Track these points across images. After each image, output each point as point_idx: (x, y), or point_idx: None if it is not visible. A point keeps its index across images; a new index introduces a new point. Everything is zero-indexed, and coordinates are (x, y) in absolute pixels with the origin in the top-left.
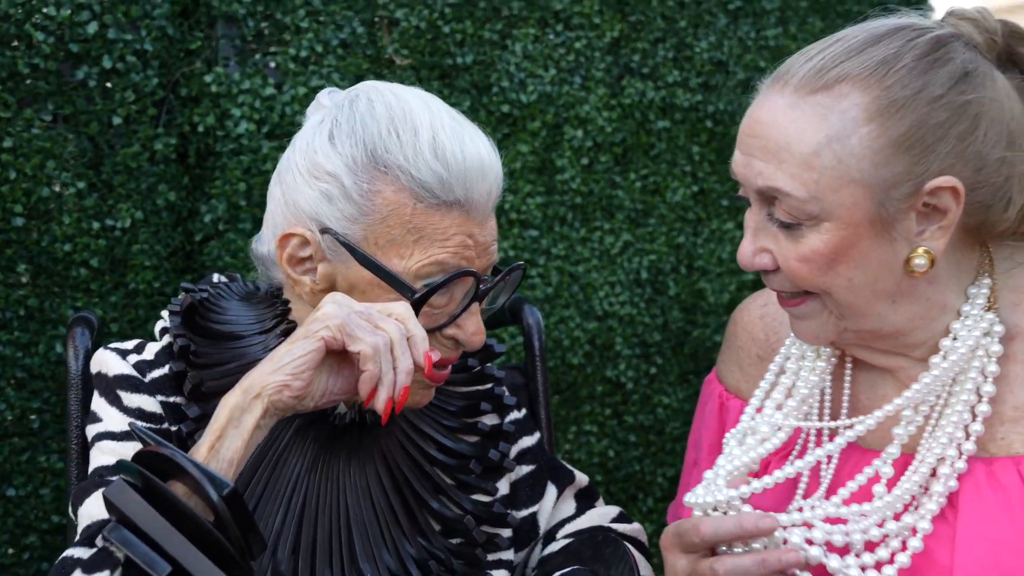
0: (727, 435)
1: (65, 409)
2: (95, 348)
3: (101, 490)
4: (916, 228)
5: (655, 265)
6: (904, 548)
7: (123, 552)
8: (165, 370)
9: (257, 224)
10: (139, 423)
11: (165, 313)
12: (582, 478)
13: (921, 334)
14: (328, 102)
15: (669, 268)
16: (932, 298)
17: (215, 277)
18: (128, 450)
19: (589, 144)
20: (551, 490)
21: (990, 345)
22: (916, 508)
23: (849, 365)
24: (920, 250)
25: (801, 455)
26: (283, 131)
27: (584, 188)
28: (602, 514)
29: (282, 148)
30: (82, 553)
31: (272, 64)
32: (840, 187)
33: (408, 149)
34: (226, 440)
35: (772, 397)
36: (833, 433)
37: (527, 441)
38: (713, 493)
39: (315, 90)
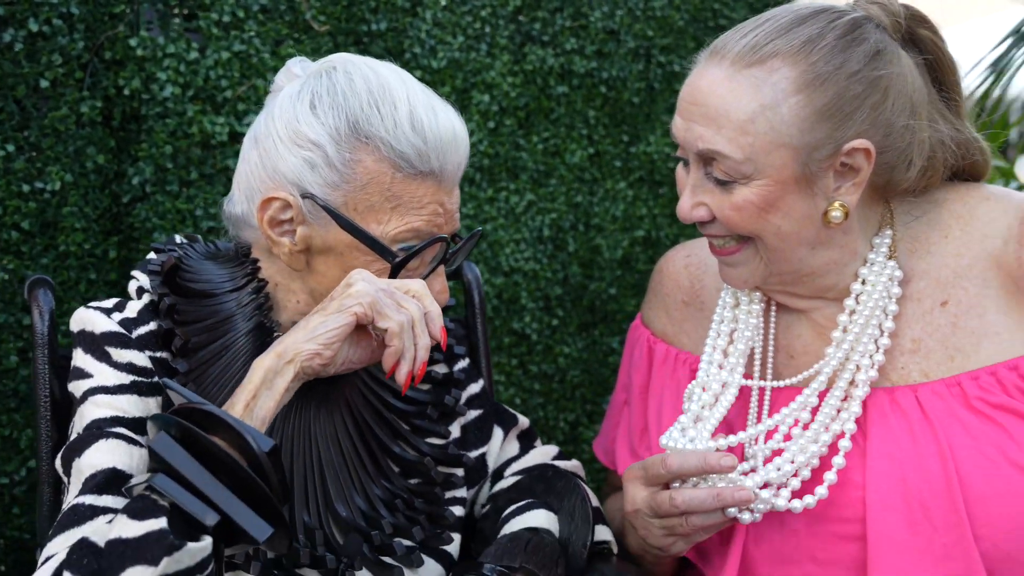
0: (689, 388)
1: (33, 368)
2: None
3: (141, 440)
4: (833, 185)
5: (556, 223)
6: (831, 467)
7: (167, 500)
8: (151, 327)
9: (185, 186)
10: (170, 381)
11: (137, 272)
12: (524, 421)
13: (834, 277)
14: (300, 71)
15: (568, 226)
16: (845, 245)
17: (177, 238)
18: (123, 403)
19: (495, 108)
20: (497, 432)
21: (891, 287)
22: (831, 431)
23: (773, 310)
24: (836, 204)
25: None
26: (207, 95)
27: (491, 151)
28: (544, 452)
29: (206, 112)
30: (100, 501)
31: (194, 29)
32: (772, 150)
33: (389, 122)
34: (260, 400)
35: (718, 346)
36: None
37: (474, 388)
38: (694, 441)
39: (238, 55)
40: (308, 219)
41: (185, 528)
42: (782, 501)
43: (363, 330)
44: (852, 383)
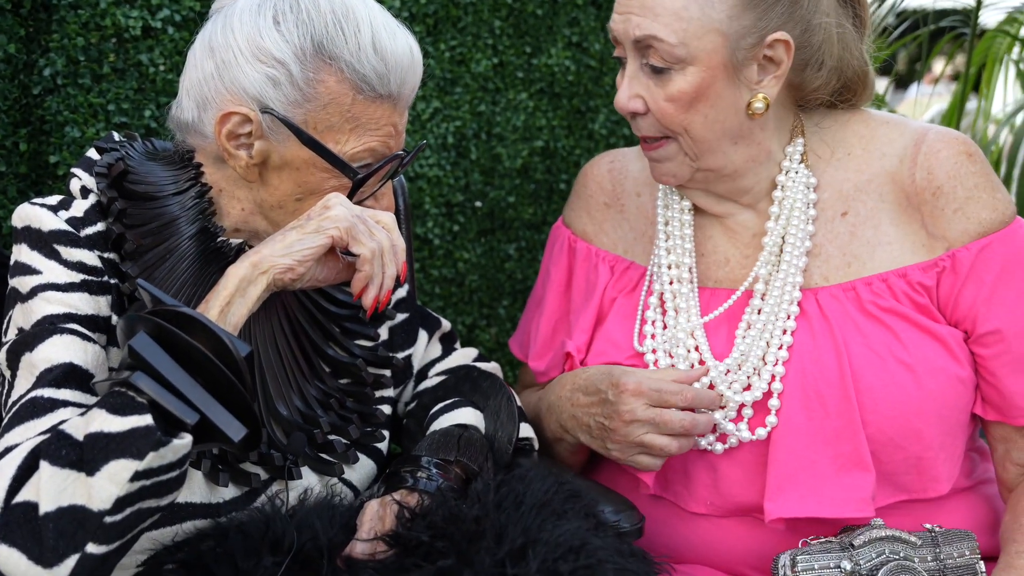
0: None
1: None
2: None
3: (94, 336)
4: (756, 77)
5: (460, 131)
6: (777, 362)
7: (145, 398)
8: (99, 227)
9: (97, 80)
10: (146, 282)
11: (79, 171)
12: (446, 324)
13: (751, 179)
14: None
15: (471, 134)
16: (762, 143)
17: (115, 135)
18: (75, 300)
19: (405, 15)
20: (422, 335)
21: (808, 194)
22: (775, 333)
23: (690, 214)
24: (759, 95)
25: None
26: None
27: None
28: (464, 354)
29: (119, 4)
30: (59, 394)
31: None
32: (703, 35)
33: (352, 44)
34: (233, 307)
35: (668, 260)
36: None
37: (400, 292)
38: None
39: None
40: (267, 134)
41: (163, 426)
42: (746, 433)
43: (332, 252)
44: (781, 287)
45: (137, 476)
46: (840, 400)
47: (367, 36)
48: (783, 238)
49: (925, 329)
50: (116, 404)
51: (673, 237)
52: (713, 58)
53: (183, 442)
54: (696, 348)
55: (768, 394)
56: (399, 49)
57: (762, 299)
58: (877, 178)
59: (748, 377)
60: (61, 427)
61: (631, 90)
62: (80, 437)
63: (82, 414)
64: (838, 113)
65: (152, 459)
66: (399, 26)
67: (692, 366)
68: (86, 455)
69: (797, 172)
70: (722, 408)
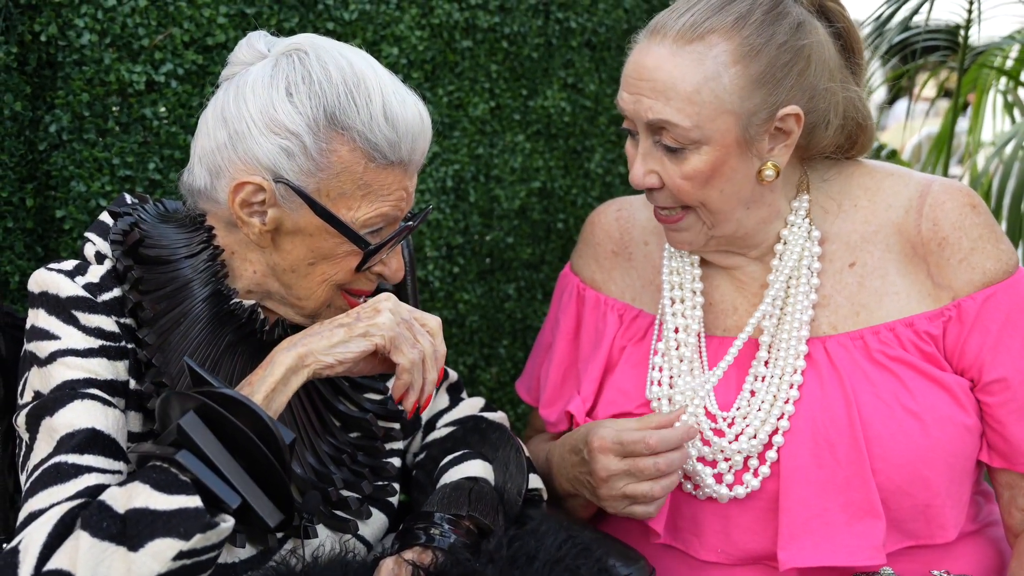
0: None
1: None
2: None
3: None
4: (767, 146)
5: (458, 174)
6: (783, 415)
7: (189, 476)
8: (115, 293)
9: (102, 134)
10: (195, 364)
11: (92, 236)
12: (453, 374)
13: (760, 236)
14: (265, 48)
15: (470, 177)
16: (772, 204)
17: (127, 198)
18: (94, 366)
19: (404, 62)
20: None
21: (812, 247)
22: (782, 384)
23: (697, 268)
24: (769, 164)
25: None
26: (124, 43)
27: None
28: (472, 404)
29: (123, 60)
30: (83, 460)
31: None
32: (716, 117)
33: (364, 114)
34: (277, 395)
35: (667, 305)
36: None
37: None
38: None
39: (155, 2)
40: (280, 203)
41: (204, 506)
42: (755, 482)
43: (374, 352)
44: (788, 336)
45: (181, 555)
46: (850, 448)
47: (378, 105)
48: (786, 290)
49: (932, 378)
50: (160, 481)
51: (681, 288)
52: (727, 137)
53: (227, 525)
54: (704, 397)
55: (775, 443)
56: (409, 116)
57: (769, 350)
58: (883, 229)
59: (757, 426)
60: (102, 498)
61: (646, 166)
62: (121, 510)
63: (121, 485)
64: (842, 165)
65: (198, 540)
66: (408, 92)
67: (698, 415)
68: (128, 529)
69: (800, 227)
70: (722, 448)
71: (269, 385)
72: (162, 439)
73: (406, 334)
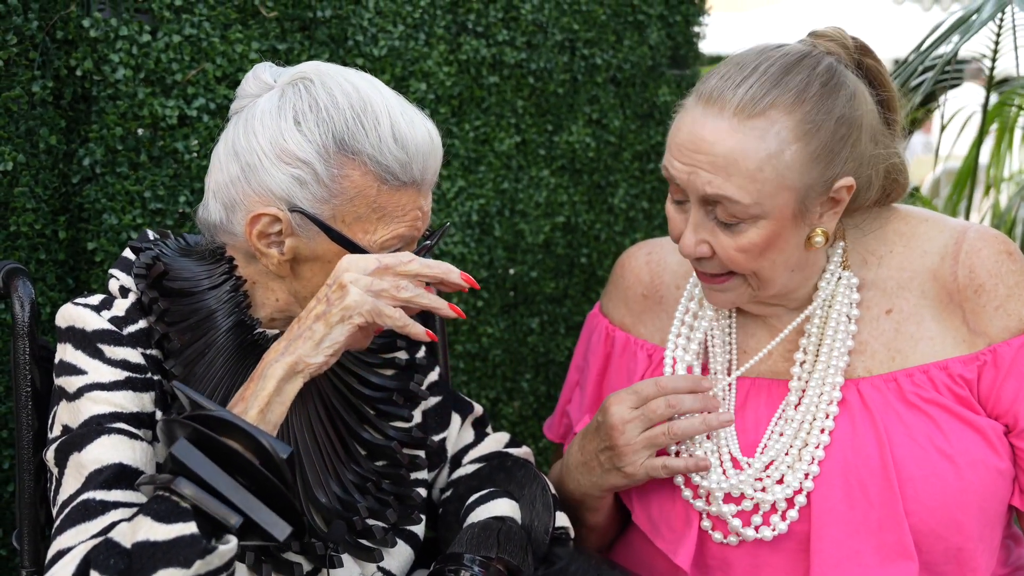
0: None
1: (13, 358)
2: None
3: (140, 434)
4: (818, 214)
5: (484, 208)
6: (813, 460)
7: (189, 503)
8: (140, 325)
9: (134, 168)
10: (184, 386)
11: (116, 271)
12: (478, 408)
13: (801, 291)
14: (271, 79)
15: (495, 211)
16: (815, 262)
17: (149, 234)
18: (120, 399)
19: (431, 97)
20: (455, 419)
21: (850, 294)
22: (813, 429)
23: (733, 311)
24: (819, 230)
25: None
26: (157, 77)
27: None
28: (497, 440)
29: (156, 95)
30: (111, 496)
31: (145, 10)
32: (777, 193)
33: (373, 137)
34: (273, 407)
35: (679, 344)
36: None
37: (432, 375)
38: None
39: (188, 38)
40: (296, 231)
41: (207, 528)
42: (782, 525)
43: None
44: (821, 381)
45: None
46: (883, 490)
47: (386, 127)
48: (820, 336)
49: (966, 420)
50: (160, 511)
51: (712, 334)
52: (784, 211)
53: (228, 547)
54: (732, 439)
55: (804, 488)
56: (418, 136)
57: (801, 395)
58: (919, 275)
59: (784, 471)
60: (110, 535)
61: (697, 236)
62: (128, 545)
63: (129, 519)
64: (876, 211)
65: (199, 567)
66: (416, 111)
67: (726, 458)
68: (134, 564)
69: (835, 274)
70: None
71: (263, 400)
72: (162, 467)
73: (383, 294)
